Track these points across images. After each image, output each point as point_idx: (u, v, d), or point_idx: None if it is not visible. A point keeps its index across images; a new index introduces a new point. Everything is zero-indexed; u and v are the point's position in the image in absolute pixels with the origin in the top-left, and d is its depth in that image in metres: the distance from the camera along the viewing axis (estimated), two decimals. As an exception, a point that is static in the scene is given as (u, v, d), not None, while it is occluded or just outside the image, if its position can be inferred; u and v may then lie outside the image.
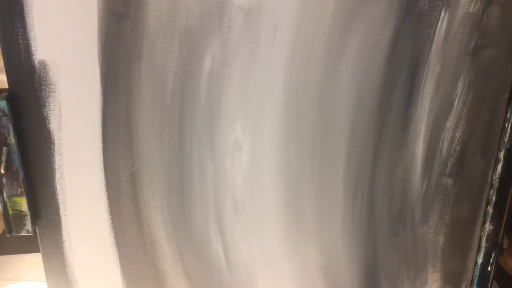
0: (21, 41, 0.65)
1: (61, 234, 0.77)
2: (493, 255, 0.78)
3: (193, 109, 0.70)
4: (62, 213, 0.75)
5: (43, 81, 0.67)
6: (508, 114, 0.71)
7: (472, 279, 0.81)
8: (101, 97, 0.69)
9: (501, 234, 0.77)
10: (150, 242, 0.78)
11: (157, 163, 0.73)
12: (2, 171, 0.69)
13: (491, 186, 0.75)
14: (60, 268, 0.79)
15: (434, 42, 0.67)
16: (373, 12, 0.65)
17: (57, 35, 0.65)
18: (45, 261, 0.79)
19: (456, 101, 0.70)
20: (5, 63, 0.66)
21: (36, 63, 0.66)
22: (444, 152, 0.73)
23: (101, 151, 0.72)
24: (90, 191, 0.74)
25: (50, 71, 0.67)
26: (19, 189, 0.71)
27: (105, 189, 0.74)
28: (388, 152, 0.73)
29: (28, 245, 0.80)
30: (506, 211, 0.76)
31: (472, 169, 0.74)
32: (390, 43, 0.67)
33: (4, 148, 0.68)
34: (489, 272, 0.80)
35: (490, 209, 0.76)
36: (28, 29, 0.64)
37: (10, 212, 0.72)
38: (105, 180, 0.74)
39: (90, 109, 0.69)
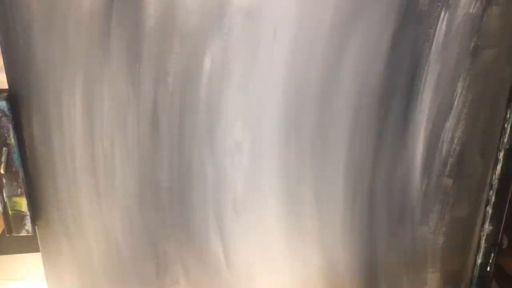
0: (21, 41, 0.65)
1: (61, 234, 0.77)
2: (492, 255, 0.78)
3: (193, 109, 0.70)
4: (62, 213, 0.75)
5: (43, 81, 0.67)
6: (508, 115, 0.71)
7: (472, 279, 0.81)
8: (102, 97, 0.69)
9: (500, 234, 0.78)
10: (150, 242, 0.78)
11: (157, 163, 0.73)
12: (2, 171, 0.69)
13: (491, 186, 0.75)
14: (60, 268, 0.79)
15: (434, 43, 0.67)
16: (373, 13, 0.65)
17: (57, 36, 0.65)
18: (45, 261, 0.79)
19: (456, 101, 0.70)
20: (5, 63, 0.66)
21: (36, 63, 0.66)
22: (443, 152, 0.73)
23: (102, 151, 0.72)
24: (91, 191, 0.74)
25: (50, 71, 0.67)
26: (19, 189, 0.71)
27: (105, 189, 0.74)
28: (388, 152, 0.73)
29: (28, 245, 0.80)
30: (506, 211, 0.76)
31: (471, 169, 0.74)
32: (390, 44, 0.67)
33: (4, 148, 0.68)
34: (489, 272, 0.80)
35: (490, 209, 0.76)
36: (28, 30, 0.64)
37: (10, 212, 0.72)
38: (105, 181, 0.74)
39: (91, 110, 0.69)
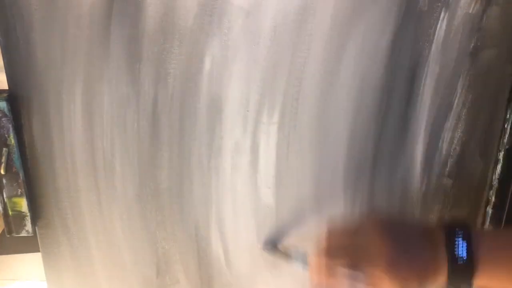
0: (21, 41, 0.65)
1: (61, 234, 0.77)
2: (492, 255, 0.78)
3: (193, 109, 0.70)
4: (62, 213, 0.75)
5: (43, 81, 0.67)
6: (508, 115, 0.71)
7: (472, 279, 0.81)
8: (102, 96, 0.69)
9: (500, 235, 0.78)
10: (150, 242, 0.78)
11: (157, 163, 0.73)
12: (2, 172, 0.69)
13: (491, 186, 0.75)
14: (60, 268, 0.79)
15: (433, 43, 0.67)
16: (373, 13, 0.65)
17: (57, 36, 0.65)
18: (45, 261, 0.79)
19: (456, 102, 0.70)
20: (5, 63, 0.66)
21: (36, 63, 0.66)
22: (443, 152, 0.73)
23: (102, 151, 0.72)
24: (91, 191, 0.74)
25: (51, 71, 0.67)
26: (19, 190, 0.71)
27: (105, 189, 0.74)
28: (387, 153, 0.73)
29: (28, 245, 0.80)
30: (506, 211, 0.76)
31: (471, 169, 0.74)
32: (390, 44, 0.67)
33: (4, 149, 0.68)
34: (489, 272, 0.80)
35: (490, 210, 0.76)
36: (28, 30, 0.64)
37: (10, 213, 0.72)
38: (105, 181, 0.74)
39: (91, 110, 0.69)
